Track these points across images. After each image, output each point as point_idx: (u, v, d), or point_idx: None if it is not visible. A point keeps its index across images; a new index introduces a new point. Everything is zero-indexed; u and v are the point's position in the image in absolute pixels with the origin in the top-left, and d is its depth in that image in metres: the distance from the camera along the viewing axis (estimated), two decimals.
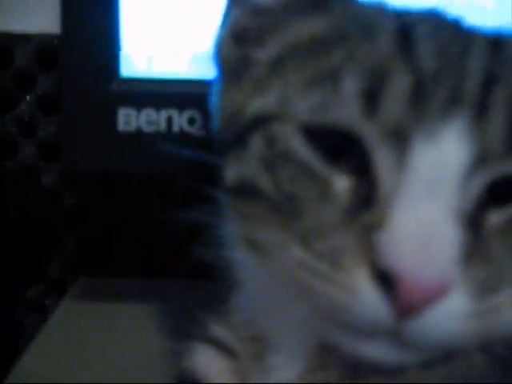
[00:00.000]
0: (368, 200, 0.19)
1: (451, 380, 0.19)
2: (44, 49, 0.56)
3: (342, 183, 0.19)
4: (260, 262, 0.22)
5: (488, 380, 0.19)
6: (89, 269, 0.56)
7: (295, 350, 0.23)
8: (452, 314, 0.17)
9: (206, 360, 0.26)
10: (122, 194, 0.55)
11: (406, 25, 0.20)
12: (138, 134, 0.36)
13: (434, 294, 0.17)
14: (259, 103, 0.22)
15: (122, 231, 0.56)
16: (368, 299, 0.18)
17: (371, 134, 0.19)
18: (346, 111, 0.19)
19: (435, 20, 0.22)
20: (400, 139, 0.18)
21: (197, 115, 0.36)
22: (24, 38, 0.56)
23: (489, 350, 0.19)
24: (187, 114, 0.36)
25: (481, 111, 0.18)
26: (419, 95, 0.18)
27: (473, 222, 0.18)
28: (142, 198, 0.53)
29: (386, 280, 0.17)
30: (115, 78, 0.36)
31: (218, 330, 0.27)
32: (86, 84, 0.37)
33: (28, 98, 0.57)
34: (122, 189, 0.55)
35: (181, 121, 0.36)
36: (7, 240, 0.55)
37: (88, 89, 0.37)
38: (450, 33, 0.21)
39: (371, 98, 0.18)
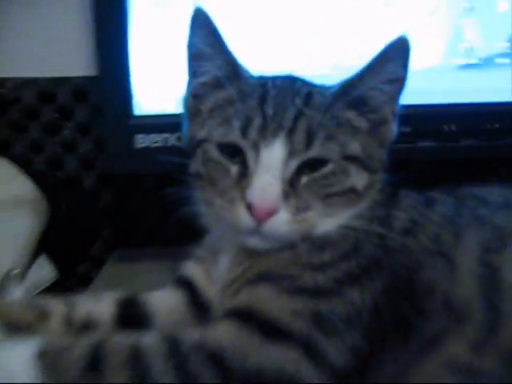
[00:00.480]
0: (245, 175, 0.41)
1: (293, 256, 0.42)
2: (79, 88, 0.78)
3: (234, 168, 0.42)
4: (209, 210, 0.45)
5: (313, 254, 0.42)
6: (121, 247, 0.79)
7: (228, 252, 0.46)
8: (282, 222, 0.40)
9: (191, 266, 0.50)
10: (140, 189, 0.77)
11: (265, 90, 0.43)
12: (148, 148, 0.60)
13: (270, 212, 0.40)
14: (201, 133, 0.45)
15: (143, 216, 0.78)
16: (244, 217, 0.41)
17: (245, 146, 0.42)
18: (235, 135, 0.42)
19: (284, 82, 0.45)
20: (256, 147, 0.41)
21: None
22: (64, 80, 0.77)
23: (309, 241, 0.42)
24: (176, 135, 0.59)
25: (291, 132, 0.41)
26: (264, 127, 0.41)
27: (291, 181, 0.41)
28: (155, 190, 0.75)
29: (250, 207, 0.40)
30: (132, 116, 0.60)
31: (198, 251, 0.50)
32: (115, 119, 0.61)
33: (69, 125, 0.80)
34: (140, 186, 0.77)
35: (172, 139, 0.60)
36: (61, 229, 0.75)
37: (115, 122, 0.61)
38: (288, 90, 0.44)
39: (244, 130, 0.42)
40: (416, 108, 0.57)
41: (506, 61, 0.62)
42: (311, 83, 0.46)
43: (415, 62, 0.44)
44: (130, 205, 0.79)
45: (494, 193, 0.46)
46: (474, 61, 0.62)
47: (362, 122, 0.44)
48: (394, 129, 0.46)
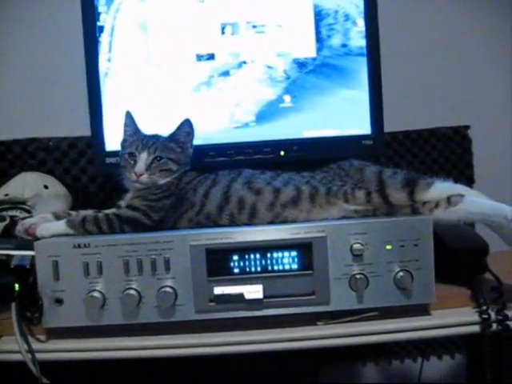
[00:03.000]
0: (135, 163, 1.16)
1: (148, 190, 1.18)
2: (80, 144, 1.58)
3: (131, 161, 1.18)
4: (126, 178, 1.24)
5: None
6: None
7: (131, 191, 1.21)
8: (144, 179, 1.15)
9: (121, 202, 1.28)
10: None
11: (143, 137, 1.22)
12: (112, 163, 1.39)
13: (141, 174, 1.16)
14: (124, 150, 1.23)
15: None
16: (134, 177, 1.17)
17: (135, 152, 1.20)
18: (133, 149, 1.20)
19: (150, 135, 1.24)
20: (139, 153, 1.16)
21: None
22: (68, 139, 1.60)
23: None
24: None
25: (149, 148, 1.18)
26: (142, 147, 1.19)
27: (149, 165, 1.16)
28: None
29: (135, 173, 1.17)
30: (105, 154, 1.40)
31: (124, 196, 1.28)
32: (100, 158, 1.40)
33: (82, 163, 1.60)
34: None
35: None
36: None
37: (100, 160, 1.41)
38: (151, 137, 1.22)
39: (136, 148, 1.19)
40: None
41: None
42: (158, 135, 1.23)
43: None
44: None
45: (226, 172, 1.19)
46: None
47: (176, 147, 1.20)
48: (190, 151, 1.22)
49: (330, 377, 1.68)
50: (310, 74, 1.30)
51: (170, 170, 1.14)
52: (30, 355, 0.93)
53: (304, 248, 0.96)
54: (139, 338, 0.96)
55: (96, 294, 0.94)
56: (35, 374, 0.93)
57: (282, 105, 1.31)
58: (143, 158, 1.13)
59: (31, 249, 0.98)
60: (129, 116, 1.20)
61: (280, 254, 0.96)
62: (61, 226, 1.05)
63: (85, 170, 1.55)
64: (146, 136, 1.18)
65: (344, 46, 1.31)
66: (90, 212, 1.15)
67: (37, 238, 1.03)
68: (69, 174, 1.54)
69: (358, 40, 1.31)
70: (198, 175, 1.16)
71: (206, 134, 1.27)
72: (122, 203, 1.16)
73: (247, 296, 0.94)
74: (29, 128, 1.56)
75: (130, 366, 1.20)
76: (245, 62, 1.30)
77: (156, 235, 0.96)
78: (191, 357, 0.96)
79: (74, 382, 0.99)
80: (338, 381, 1.71)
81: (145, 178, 1.13)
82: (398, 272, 0.96)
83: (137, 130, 1.20)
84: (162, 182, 1.14)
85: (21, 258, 1.00)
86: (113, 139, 1.28)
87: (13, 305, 0.97)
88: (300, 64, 1.30)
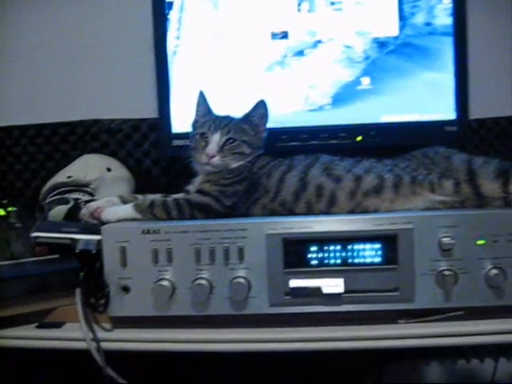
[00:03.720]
0: (206, 144, 1.14)
1: (220, 174, 1.13)
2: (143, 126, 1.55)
3: (203, 142, 1.14)
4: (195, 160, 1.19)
5: None
6: None
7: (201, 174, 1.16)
8: (216, 161, 1.12)
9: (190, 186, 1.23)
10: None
11: (216, 118, 1.17)
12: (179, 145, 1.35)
13: (212, 156, 1.12)
14: (196, 131, 1.18)
15: None
16: (205, 159, 1.12)
17: (208, 133, 1.15)
18: (205, 130, 1.16)
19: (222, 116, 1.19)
20: (211, 134, 1.13)
21: None
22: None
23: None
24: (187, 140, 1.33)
25: (222, 130, 1.13)
26: (214, 128, 1.14)
27: (221, 147, 1.12)
28: None
29: (207, 155, 1.12)
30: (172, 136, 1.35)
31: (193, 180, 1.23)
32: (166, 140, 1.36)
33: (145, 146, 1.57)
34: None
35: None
36: None
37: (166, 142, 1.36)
38: (223, 117, 1.17)
39: (208, 128, 1.15)
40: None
41: None
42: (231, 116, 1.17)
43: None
44: None
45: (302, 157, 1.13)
46: None
47: (249, 130, 1.15)
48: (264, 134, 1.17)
49: (391, 374, 1.61)
50: (391, 55, 1.23)
51: (243, 153, 1.10)
52: (94, 344, 0.89)
53: (388, 240, 0.90)
54: (209, 331, 0.91)
55: (165, 282, 0.89)
56: (99, 363, 0.89)
57: (359, 87, 1.24)
58: (215, 139, 1.09)
59: (97, 233, 0.95)
60: (202, 96, 1.16)
61: (362, 246, 0.90)
62: (128, 209, 1.01)
63: (148, 154, 1.52)
64: (218, 117, 1.14)
65: (428, 24, 1.24)
66: (157, 196, 1.11)
67: (102, 222, 0.99)
68: (131, 157, 1.51)
69: (443, 18, 1.24)
70: (272, 160, 1.11)
71: (278, 117, 1.21)
72: (191, 188, 1.12)
73: (325, 290, 0.88)
74: (92, 109, 1.52)
75: (196, 360, 1.16)
76: (321, 41, 1.24)
77: (230, 222, 0.90)
78: (261, 352, 0.90)
79: (138, 373, 0.95)
80: (400, 379, 1.64)
81: (216, 160, 1.09)
82: (490, 269, 0.89)
83: (209, 111, 1.15)
84: (234, 165, 1.09)
85: (86, 242, 0.97)
86: (180, 121, 1.23)
87: (77, 291, 0.93)
88: (380, 44, 1.23)
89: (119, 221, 0.99)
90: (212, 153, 1.09)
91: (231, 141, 1.09)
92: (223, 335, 0.91)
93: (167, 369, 1.31)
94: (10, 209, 1.17)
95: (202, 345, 0.91)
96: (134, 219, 1.00)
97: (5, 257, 0.94)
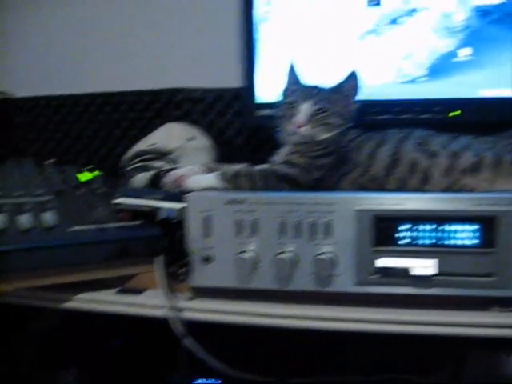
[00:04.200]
0: (294, 115, 1.10)
1: (307, 145, 1.10)
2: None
3: (292, 111, 1.11)
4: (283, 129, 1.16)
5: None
6: None
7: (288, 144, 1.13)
8: (305, 130, 1.08)
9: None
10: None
11: (307, 87, 1.13)
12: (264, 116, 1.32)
13: (302, 124, 1.08)
14: (286, 99, 1.14)
15: None
16: (293, 128, 1.09)
17: (297, 102, 1.10)
18: (295, 99, 1.12)
19: (310, 86, 1.15)
20: (302, 102, 1.09)
21: None
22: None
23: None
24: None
25: (312, 99, 1.10)
26: (303, 97, 1.10)
27: (311, 116, 1.09)
28: None
29: (295, 124, 1.09)
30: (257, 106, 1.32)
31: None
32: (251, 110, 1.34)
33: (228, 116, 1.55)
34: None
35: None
36: None
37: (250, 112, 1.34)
38: (312, 87, 1.13)
39: (299, 97, 1.11)
40: None
41: None
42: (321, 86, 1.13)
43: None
44: None
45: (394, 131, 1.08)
46: None
47: (340, 100, 1.09)
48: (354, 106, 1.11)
49: (472, 363, 1.54)
50: (494, 24, 1.16)
51: (332, 124, 1.06)
52: (174, 312, 0.88)
53: (486, 222, 0.84)
54: (290, 306, 0.88)
55: (248, 254, 0.87)
56: (177, 332, 0.88)
57: (457, 59, 1.17)
58: (305, 109, 1.06)
59: (180, 201, 0.93)
60: (293, 65, 1.13)
61: (457, 227, 0.85)
62: (212, 178, 0.99)
63: (231, 124, 1.50)
64: (308, 86, 1.11)
65: None
66: (242, 166, 1.08)
67: (185, 191, 0.97)
68: (214, 127, 1.49)
69: None
70: (362, 133, 1.06)
71: (370, 88, 1.16)
72: (277, 159, 1.09)
73: (415, 271, 0.84)
74: (176, 78, 1.51)
75: (274, 335, 1.14)
76: (416, 10, 1.17)
77: (318, 196, 0.87)
78: (341, 332, 0.86)
79: (215, 346, 0.93)
80: (480, 370, 1.57)
81: (304, 129, 1.06)
82: None
83: (299, 80, 1.11)
84: (322, 136, 1.06)
85: (169, 210, 0.96)
86: (265, 90, 1.20)
87: (159, 259, 0.93)
88: (483, 12, 1.15)
89: (203, 189, 0.97)
90: (300, 122, 1.05)
91: (321, 111, 1.06)
92: (305, 311, 0.88)
93: (244, 342, 1.30)
94: (94, 174, 1.18)
95: (283, 320, 0.89)
96: (217, 188, 0.98)
97: (88, 221, 0.94)
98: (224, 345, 1.11)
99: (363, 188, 0.99)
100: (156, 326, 0.98)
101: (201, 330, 0.93)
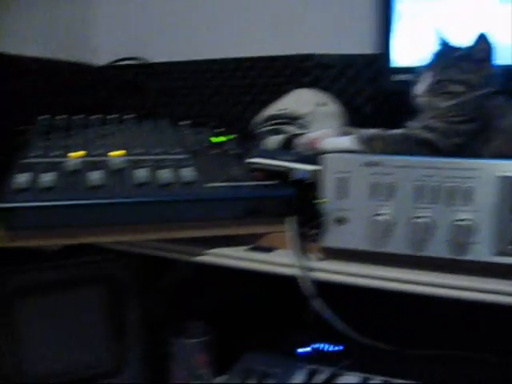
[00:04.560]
0: (418, 82, 1.07)
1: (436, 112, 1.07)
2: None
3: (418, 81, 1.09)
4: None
5: None
6: None
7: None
8: (424, 100, 1.05)
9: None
10: None
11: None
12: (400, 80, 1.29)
13: (420, 94, 1.05)
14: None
15: None
16: (416, 92, 1.08)
17: (423, 72, 1.07)
18: (421, 67, 1.09)
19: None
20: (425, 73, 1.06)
21: None
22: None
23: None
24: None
25: (433, 70, 1.06)
26: (426, 69, 1.07)
27: (435, 82, 1.05)
28: None
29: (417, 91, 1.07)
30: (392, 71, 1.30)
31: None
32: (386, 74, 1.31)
33: (359, 83, 1.53)
34: None
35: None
36: None
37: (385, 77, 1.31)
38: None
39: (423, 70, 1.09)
40: None
41: None
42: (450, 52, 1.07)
43: None
44: None
45: None
46: None
47: (468, 67, 1.02)
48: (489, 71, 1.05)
49: None
50: None
51: (454, 92, 1.02)
52: (304, 271, 0.90)
53: None
54: (423, 273, 0.87)
55: (382, 217, 0.86)
56: (306, 292, 0.89)
57: None
58: (425, 78, 1.04)
59: (313, 163, 0.94)
60: (438, 30, 1.09)
61: None
62: (347, 141, 0.99)
63: (361, 91, 1.48)
64: (436, 53, 1.07)
65: None
66: (378, 130, 1.07)
67: (319, 153, 0.98)
68: (344, 94, 1.48)
69: None
70: (508, 100, 1.01)
71: None
72: (413, 124, 1.06)
73: None
74: (306, 43, 1.51)
75: (403, 302, 1.13)
76: None
77: (457, 161, 0.85)
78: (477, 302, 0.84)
79: (340, 308, 0.94)
80: None
81: (423, 99, 1.05)
82: None
83: (437, 46, 1.07)
84: (443, 104, 1.02)
85: (302, 171, 0.97)
86: (401, 54, 1.17)
87: (291, 218, 0.94)
88: None
89: (337, 152, 0.97)
90: (419, 92, 1.04)
91: (442, 80, 1.02)
92: (438, 279, 0.86)
93: (370, 308, 1.29)
94: (228, 137, 1.21)
95: (415, 286, 0.88)
96: (353, 151, 0.98)
97: (223, 179, 0.97)
98: (349, 309, 1.12)
99: (506, 156, 0.95)
100: (282, 286, 1.00)
101: (327, 292, 0.93)
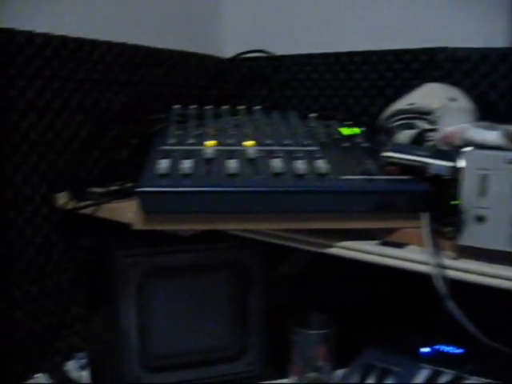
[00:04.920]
0: None
1: None
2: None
3: None
4: None
5: None
6: None
7: None
8: None
9: None
10: None
11: None
12: None
13: None
14: None
15: None
16: None
17: None
18: None
19: None
20: None
21: None
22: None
23: None
24: None
25: None
26: None
27: None
28: None
29: None
30: None
31: None
32: None
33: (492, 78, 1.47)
34: None
35: None
36: None
37: None
38: None
39: None
40: None
41: None
42: None
43: None
44: None
45: None
46: None
47: None
48: None
49: None
50: None
51: None
52: (438, 269, 0.88)
53: None
54: None
55: None
56: (440, 291, 0.87)
57: None
58: None
59: (450, 159, 0.92)
60: None
61: None
62: (494, 135, 0.95)
63: (494, 86, 1.42)
64: None
65: None
66: None
67: (456, 148, 0.95)
68: (475, 89, 1.43)
69: None
70: None
71: None
72: None
73: None
74: (437, 36, 1.48)
75: None
76: None
77: None
78: None
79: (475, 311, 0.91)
80: None
81: None
82: None
83: None
84: None
85: (439, 167, 0.95)
86: None
87: (425, 215, 0.92)
88: None
89: (482, 146, 0.94)
90: None
91: None
92: None
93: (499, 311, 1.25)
94: (356, 130, 1.21)
95: None
96: (498, 147, 0.94)
97: (356, 172, 0.97)
98: (477, 311, 1.09)
99: None
100: (410, 283, 0.98)
101: (457, 292, 0.91)
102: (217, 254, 1.28)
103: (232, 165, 0.98)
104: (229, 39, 1.80)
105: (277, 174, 0.96)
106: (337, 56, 1.60)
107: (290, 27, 1.72)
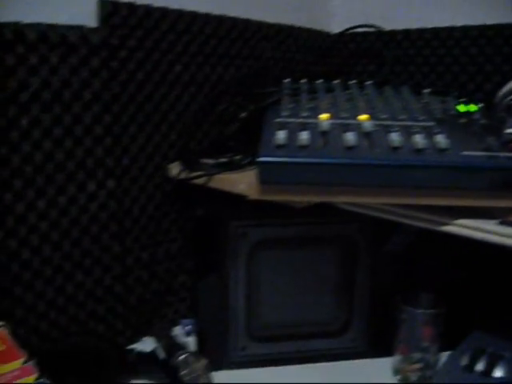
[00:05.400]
0: None
1: None
2: None
3: None
4: None
5: None
6: None
7: None
8: None
9: None
10: None
11: None
12: None
13: None
14: None
15: None
16: None
17: None
18: None
19: None
20: None
21: None
22: None
23: None
24: None
25: None
26: None
27: None
28: None
29: None
30: None
31: None
32: None
33: None
34: None
35: None
36: None
37: None
38: None
39: None
40: None
41: None
42: None
43: None
44: None
45: None
46: None
47: None
48: None
49: None
50: None
51: None
52: None
53: None
54: None
55: None
56: None
57: None
58: None
59: None
60: None
61: None
62: None
63: None
64: None
65: None
66: None
67: None
68: None
69: None
70: None
71: None
72: None
73: None
74: None
75: None
76: None
77: None
78: None
79: None
80: None
81: None
82: None
83: None
84: None
85: None
86: None
87: None
88: None
89: None
90: None
91: None
92: None
93: None
94: (474, 106, 1.18)
95: None
96: None
97: (478, 148, 0.94)
98: None
99: None
100: None
101: None
102: (326, 228, 1.29)
103: (350, 137, 0.97)
104: (338, 14, 1.78)
105: (395, 149, 0.95)
106: (449, 30, 1.55)
107: (400, 1, 1.68)
